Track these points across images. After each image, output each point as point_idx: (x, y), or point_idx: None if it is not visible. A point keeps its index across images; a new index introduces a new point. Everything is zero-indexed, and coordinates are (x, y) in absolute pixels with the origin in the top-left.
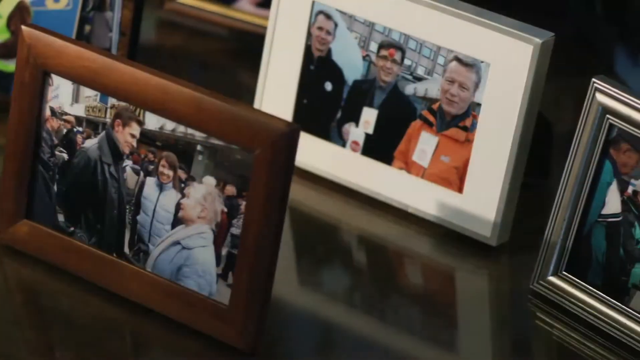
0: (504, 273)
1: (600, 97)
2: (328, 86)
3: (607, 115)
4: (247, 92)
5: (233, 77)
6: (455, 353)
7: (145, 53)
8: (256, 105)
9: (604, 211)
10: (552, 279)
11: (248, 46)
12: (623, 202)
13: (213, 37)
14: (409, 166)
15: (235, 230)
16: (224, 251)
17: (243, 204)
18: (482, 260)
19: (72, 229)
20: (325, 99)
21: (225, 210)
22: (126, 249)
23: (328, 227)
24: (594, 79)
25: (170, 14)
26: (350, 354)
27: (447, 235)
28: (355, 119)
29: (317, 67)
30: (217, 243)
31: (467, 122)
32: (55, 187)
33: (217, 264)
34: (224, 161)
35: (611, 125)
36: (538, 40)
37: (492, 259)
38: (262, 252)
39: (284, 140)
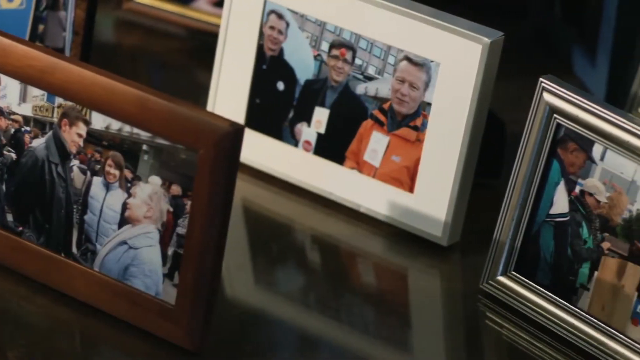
0: (455, 273)
1: (547, 96)
2: (280, 86)
3: (555, 115)
4: (204, 91)
5: (191, 76)
6: (407, 352)
7: (103, 52)
8: (209, 105)
9: (552, 211)
10: (501, 278)
11: (206, 45)
12: (570, 202)
13: (171, 37)
14: (360, 166)
15: (181, 230)
16: (170, 251)
17: (188, 204)
18: (433, 259)
19: (20, 228)
20: (277, 98)
21: (171, 209)
22: (74, 249)
23: (281, 227)
24: (541, 79)
25: (129, 13)
26: (304, 353)
27: (399, 235)
28: (307, 119)
29: (270, 67)
30: (163, 243)
31: (418, 122)
32: (3, 187)
33: (164, 263)
34: (170, 161)
35: (558, 125)
36: (487, 40)
37: (443, 258)
38: (207, 251)
39: (227, 140)
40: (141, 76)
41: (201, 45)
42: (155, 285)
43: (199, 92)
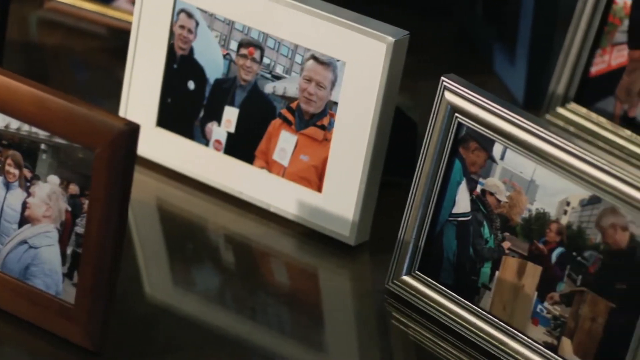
0: (363, 272)
1: (448, 95)
2: (191, 85)
3: (456, 114)
4: None
5: (113, 75)
6: (321, 352)
7: (25, 52)
8: (122, 104)
9: (455, 210)
10: (405, 278)
11: (127, 44)
12: (472, 201)
13: (93, 36)
14: (269, 165)
15: (79, 229)
16: (69, 250)
17: (86, 203)
18: (342, 259)
19: None
20: (188, 97)
21: (69, 209)
22: None
23: (194, 226)
24: (443, 78)
25: (50, 12)
26: (212, 351)
27: (309, 234)
28: (217, 118)
29: (180, 66)
30: (63, 242)
31: (325, 121)
32: None
33: (63, 263)
34: (67, 160)
35: (460, 124)
36: (391, 39)
37: (352, 258)
38: (105, 251)
39: (123, 139)
40: (63, 75)
41: (122, 44)
42: (56, 285)
43: (120, 91)
